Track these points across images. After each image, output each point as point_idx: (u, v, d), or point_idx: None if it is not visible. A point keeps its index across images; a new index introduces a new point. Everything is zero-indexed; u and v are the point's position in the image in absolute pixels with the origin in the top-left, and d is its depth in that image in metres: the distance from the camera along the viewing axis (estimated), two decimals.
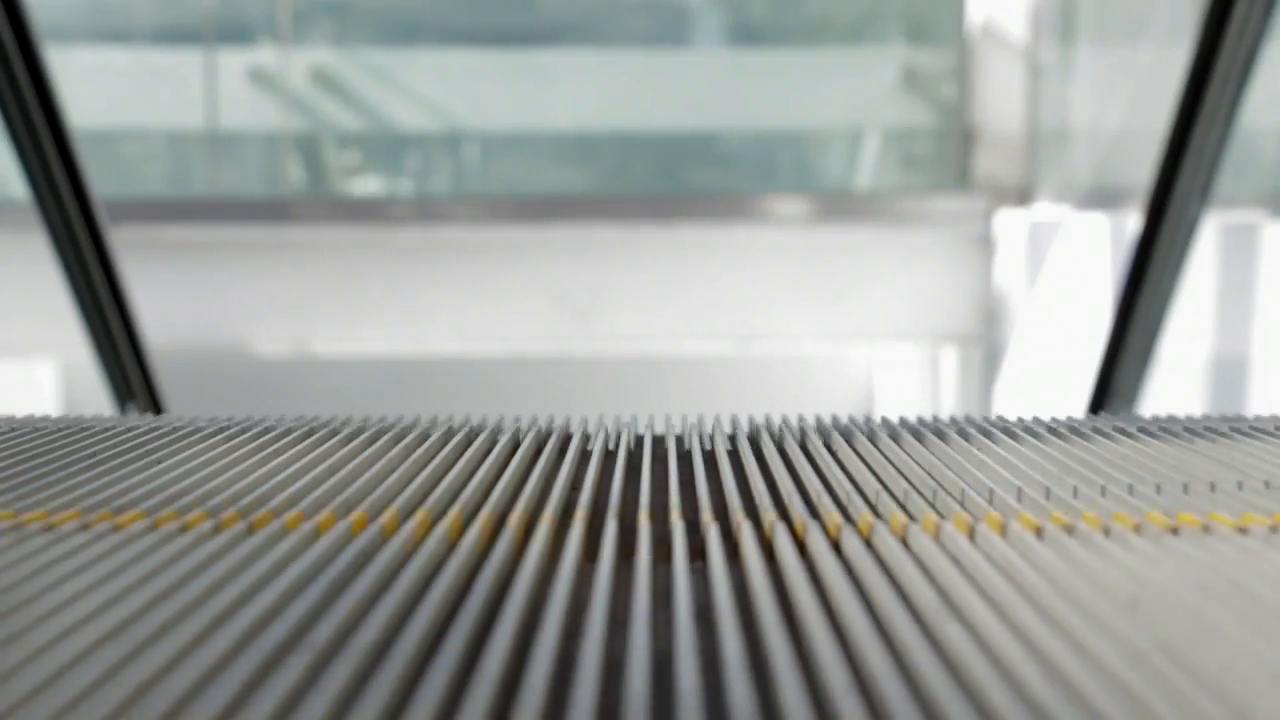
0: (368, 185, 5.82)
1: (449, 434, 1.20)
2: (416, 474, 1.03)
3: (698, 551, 0.82)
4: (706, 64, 5.78)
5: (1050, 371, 4.71)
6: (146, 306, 2.99)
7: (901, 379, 5.96)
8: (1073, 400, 3.74)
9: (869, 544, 0.81)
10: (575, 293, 5.20)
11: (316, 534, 0.83)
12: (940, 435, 1.17)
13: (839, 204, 5.36)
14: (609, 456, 1.13)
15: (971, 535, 0.82)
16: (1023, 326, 4.97)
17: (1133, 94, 4.67)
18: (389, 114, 5.60)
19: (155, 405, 2.95)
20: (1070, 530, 0.82)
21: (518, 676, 0.58)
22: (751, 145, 5.80)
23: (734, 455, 1.12)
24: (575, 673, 0.58)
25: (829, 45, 5.75)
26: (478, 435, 1.19)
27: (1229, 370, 3.65)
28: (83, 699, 0.53)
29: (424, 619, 0.64)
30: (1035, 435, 1.18)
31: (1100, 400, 2.82)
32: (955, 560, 0.76)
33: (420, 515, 0.86)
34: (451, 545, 0.82)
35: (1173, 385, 3.62)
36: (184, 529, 0.84)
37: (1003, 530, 0.82)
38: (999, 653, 0.60)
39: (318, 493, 0.93)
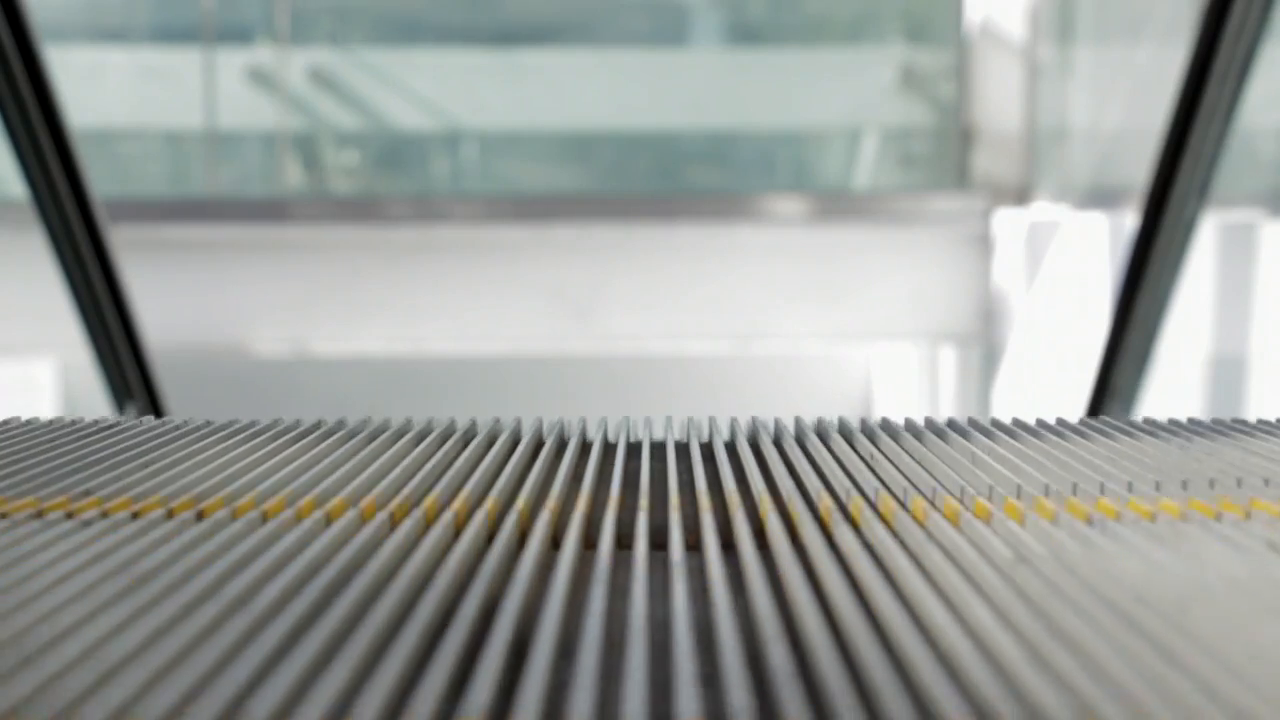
0: (366, 184, 5.82)
1: (445, 435, 1.19)
2: (411, 476, 1.03)
3: (695, 568, 0.81)
4: (705, 63, 5.78)
5: (1049, 371, 4.71)
6: (145, 306, 2.99)
7: (900, 378, 5.96)
8: (1071, 400, 3.74)
9: (859, 531, 0.81)
10: (574, 292, 5.20)
11: (295, 526, 0.83)
12: (940, 435, 1.17)
13: (838, 203, 5.36)
14: (607, 456, 1.13)
15: (957, 524, 0.82)
16: (1021, 326, 4.98)
17: (1131, 93, 4.67)
18: (387, 113, 5.60)
19: (154, 405, 2.95)
20: (1087, 519, 0.82)
21: (517, 671, 0.58)
22: (750, 144, 5.80)
23: (734, 456, 1.12)
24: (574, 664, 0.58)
25: (827, 45, 5.75)
26: (473, 438, 1.19)
27: (1227, 370, 3.65)
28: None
29: (420, 621, 0.63)
30: (1038, 437, 1.17)
31: (1099, 399, 2.82)
32: (947, 551, 0.76)
33: (413, 516, 0.86)
34: (445, 551, 0.82)
35: (1171, 385, 3.62)
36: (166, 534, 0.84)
37: (1023, 518, 0.82)
38: (993, 648, 0.60)
39: (313, 493, 0.93)
